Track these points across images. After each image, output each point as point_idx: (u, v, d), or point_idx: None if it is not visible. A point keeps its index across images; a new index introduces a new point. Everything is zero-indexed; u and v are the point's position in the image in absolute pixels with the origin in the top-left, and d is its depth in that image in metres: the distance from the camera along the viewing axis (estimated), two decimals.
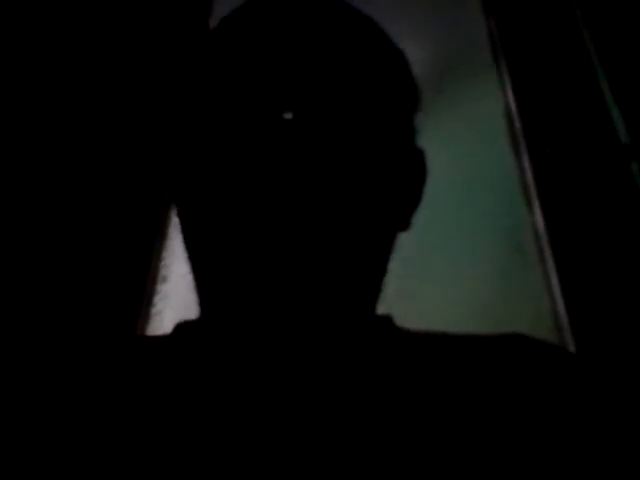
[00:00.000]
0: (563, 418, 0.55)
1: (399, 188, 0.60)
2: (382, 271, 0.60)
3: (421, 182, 0.64)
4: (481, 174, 1.64)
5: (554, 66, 1.77)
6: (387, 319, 0.62)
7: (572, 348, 1.38)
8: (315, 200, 0.53)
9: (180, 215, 0.60)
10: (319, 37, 0.56)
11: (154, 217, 1.42)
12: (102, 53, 1.63)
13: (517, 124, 1.70)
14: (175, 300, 1.38)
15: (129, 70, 1.61)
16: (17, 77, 1.54)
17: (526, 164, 1.64)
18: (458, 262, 1.51)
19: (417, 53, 1.98)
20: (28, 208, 1.38)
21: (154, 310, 1.36)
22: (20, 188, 1.41)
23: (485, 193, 1.62)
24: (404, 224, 0.63)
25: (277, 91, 0.54)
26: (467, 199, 1.60)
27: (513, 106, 1.73)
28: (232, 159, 0.54)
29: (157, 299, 1.38)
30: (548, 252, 1.51)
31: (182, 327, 0.62)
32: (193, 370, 0.57)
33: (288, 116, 0.53)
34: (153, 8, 1.71)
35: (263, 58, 0.55)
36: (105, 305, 1.29)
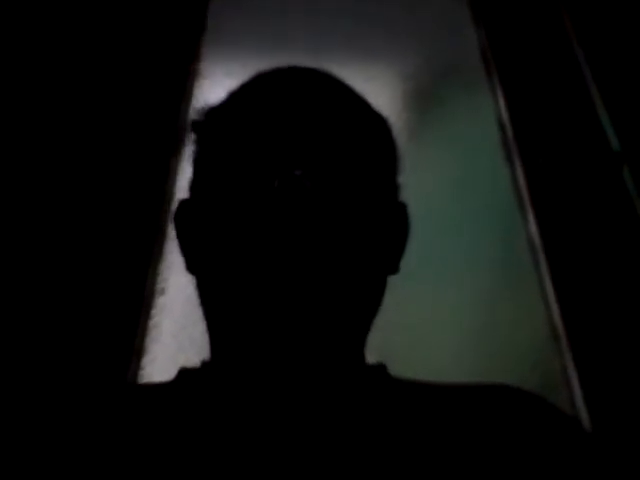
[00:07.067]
0: (539, 465, 0.61)
1: (387, 238, 0.68)
2: (376, 309, 0.68)
3: (405, 230, 0.73)
4: (475, 184, 1.65)
5: (545, 76, 1.79)
6: (381, 368, 0.69)
7: (569, 356, 1.39)
8: (317, 253, 0.61)
9: (199, 284, 0.67)
10: (318, 111, 0.65)
11: (151, 230, 1.42)
12: (101, 54, 1.64)
13: (510, 134, 1.71)
14: (173, 312, 1.39)
15: (125, 74, 1.62)
16: (11, 80, 1.55)
17: (519, 173, 1.65)
18: (453, 272, 1.52)
19: (410, 66, 1.99)
20: (24, 217, 1.39)
21: (152, 323, 1.37)
22: (16, 199, 1.41)
23: (479, 203, 1.63)
24: (393, 268, 0.71)
25: (281, 162, 0.62)
26: (461, 209, 1.61)
27: (506, 117, 1.74)
28: (244, 226, 0.62)
29: (155, 312, 1.38)
30: (543, 260, 1.52)
31: (185, 374, 0.68)
32: (197, 421, 0.62)
33: (297, 172, 0.61)
34: (147, 20, 1.72)
35: (269, 131, 0.64)
36: (103, 318, 1.30)
